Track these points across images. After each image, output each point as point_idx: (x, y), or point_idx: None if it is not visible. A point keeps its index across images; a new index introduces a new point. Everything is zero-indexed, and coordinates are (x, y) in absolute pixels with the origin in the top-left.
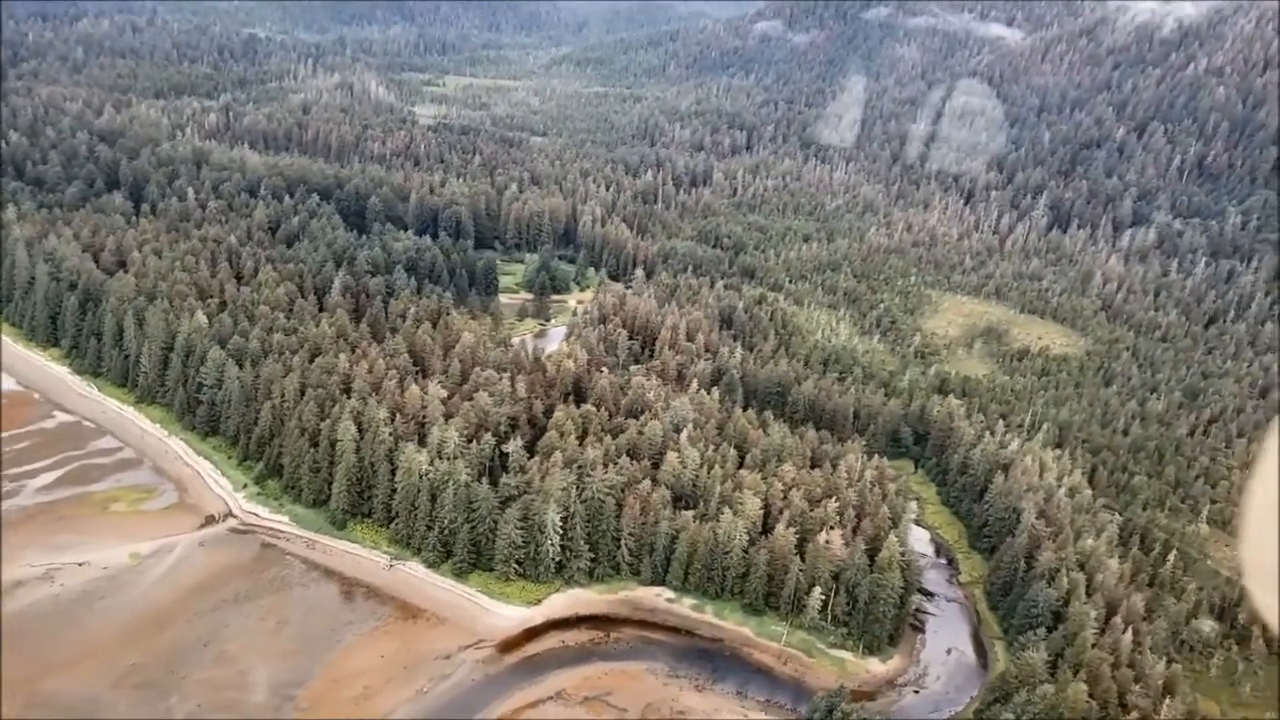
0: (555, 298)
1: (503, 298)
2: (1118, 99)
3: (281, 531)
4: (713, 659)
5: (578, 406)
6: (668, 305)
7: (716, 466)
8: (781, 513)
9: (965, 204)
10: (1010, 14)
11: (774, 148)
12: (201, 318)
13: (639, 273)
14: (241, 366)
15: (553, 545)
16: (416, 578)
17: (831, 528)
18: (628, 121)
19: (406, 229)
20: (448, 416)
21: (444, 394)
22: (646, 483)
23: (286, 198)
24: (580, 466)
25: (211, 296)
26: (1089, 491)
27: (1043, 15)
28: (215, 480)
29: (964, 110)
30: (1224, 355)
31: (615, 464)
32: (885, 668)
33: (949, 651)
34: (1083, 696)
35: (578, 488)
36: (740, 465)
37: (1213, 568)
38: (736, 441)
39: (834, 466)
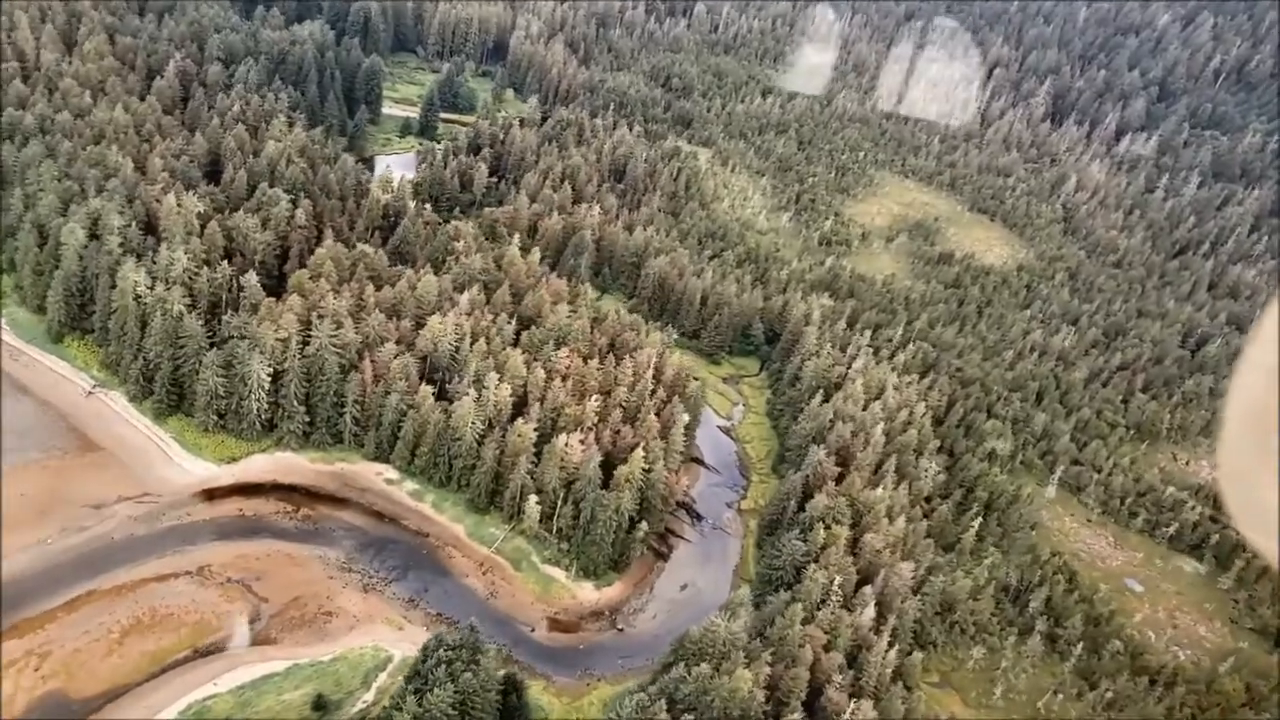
0: (453, 117)
1: (397, 110)
2: None
3: None
4: (404, 554)
5: (381, 245)
6: (549, 145)
7: (481, 340)
8: (539, 402)
9: (968, 80)
10: None
11: None
12: None
13: (532, 101)
14: (9, 141)
15: (258, 401)
16: (113, 411)
17: (581, 429)
18: None
19: (300, 20)
20: (191, 234)
21: (200, 208)
22: (390, 346)
23: None
24: (322, 316)
25: (12, 61)
26: (928, 429)
27: None
28: None
29: None
30: (1175, 293)
31: (364, 319)
32: (597, 595)
33: (683, 588)
34: (746, 684)
35: (301, 340)
36: (516, 342)
37: (1034, 541)
38: (527, 314)
39: (624, 359)
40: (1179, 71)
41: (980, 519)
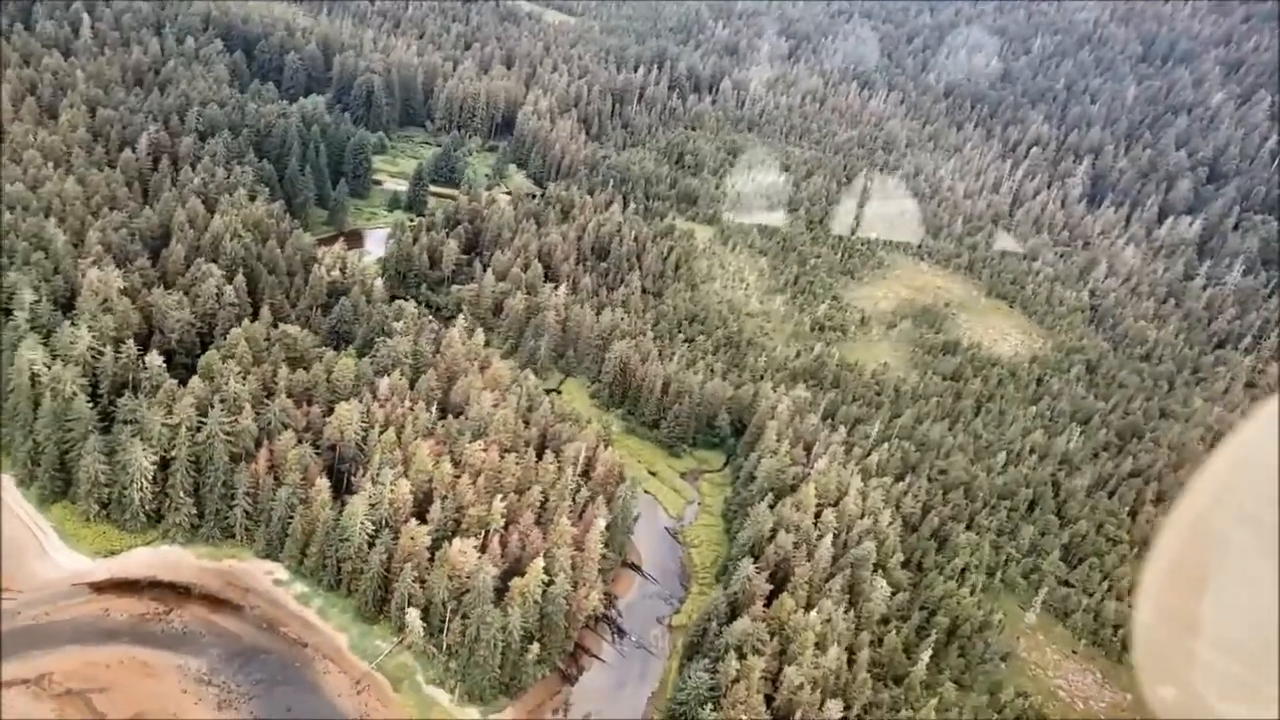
0: (444, 192)
1: (393, 184)
2: (1232, 57)
3: None
4: (274, 667)
5: (320, 324)
6: (525, 222)
7: (390, 431)
8: (442, 501)
9: (1004, 158)
10: None
11: (815, 62)
12: None
13: (518, 178)
14: None
15: (140, 491)
16: None
17: (483, 533)
18: (674, 12)
19: (307, 94)
20: (109, 311)
21: (121, 284)
22: (288, 435)
23: (190, 40)
24: (225, 401)
25: None
26: (893, 540)
27: None
28: None
29: (1049, 51)
30: (1207, 392)
31: (266, 404)
32: None
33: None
34: None
35: (192, 428)
36: (431, 433)
37: (1002, 675)
38: (456, 402)
39: (545, 453)
40: (1231, 152)
41: (937, 648)
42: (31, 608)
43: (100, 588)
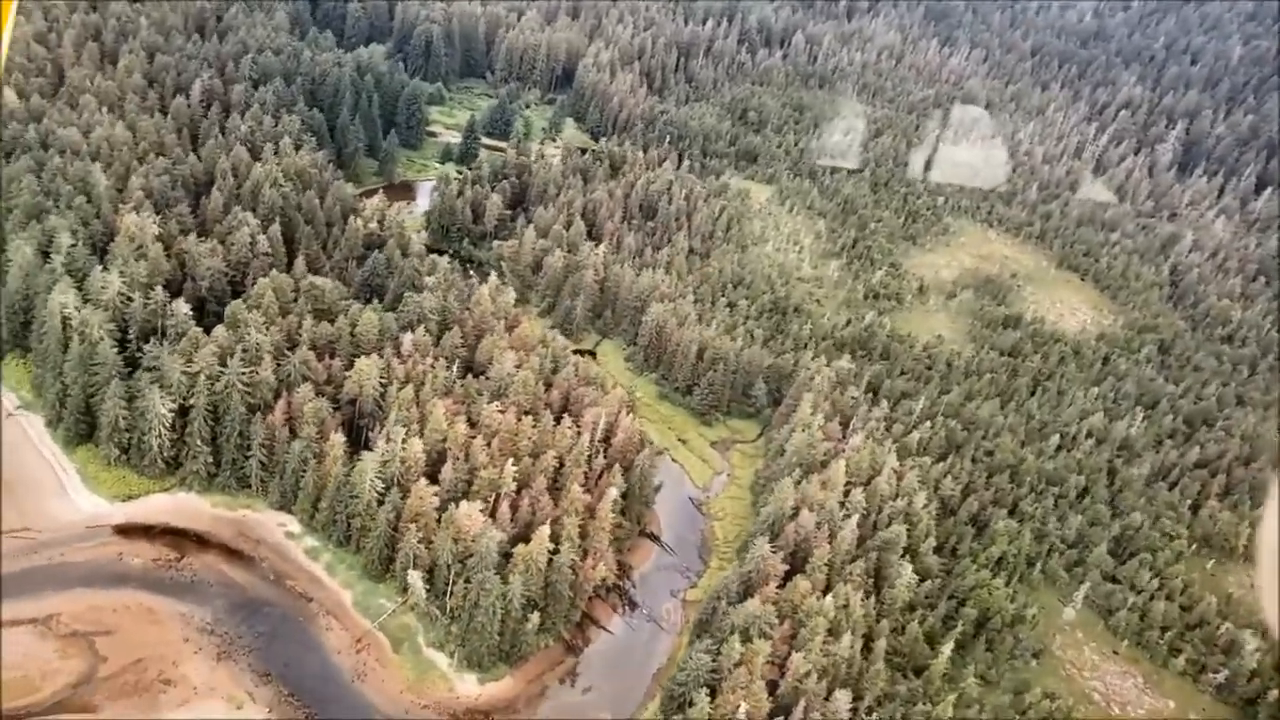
0: (496, 144)
1: (448, 136)
2: None
3: None
4: (277, 620)
5: (354, 276)
6: (572, 177)
7: (409, 388)
8: (455, 462)
9: (1090, 121)
10: None
11: (897, 16)
12: (9, 93)
13: (569, 131)
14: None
15: (159, 437)
16: (28, 434)
17: (492, 497)
18: None
19: (369, 44)
20: (141, 257)
21: (156, 230)
22: (307, 387)
23: None
24: (247, 351)
25: (50, 76)
26: (928, 524)
27: None
28: None
29: (1150, 8)
30: None
31: (287, 356)
32: (478, 691)
33: (585, 692)
34: None
35: (212, 376)
36: (449, 392)
37: (1030, 674)
38: (481, 361)
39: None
40: None
41: (964, 640)
42: (48, 548)
43: (116, 531)
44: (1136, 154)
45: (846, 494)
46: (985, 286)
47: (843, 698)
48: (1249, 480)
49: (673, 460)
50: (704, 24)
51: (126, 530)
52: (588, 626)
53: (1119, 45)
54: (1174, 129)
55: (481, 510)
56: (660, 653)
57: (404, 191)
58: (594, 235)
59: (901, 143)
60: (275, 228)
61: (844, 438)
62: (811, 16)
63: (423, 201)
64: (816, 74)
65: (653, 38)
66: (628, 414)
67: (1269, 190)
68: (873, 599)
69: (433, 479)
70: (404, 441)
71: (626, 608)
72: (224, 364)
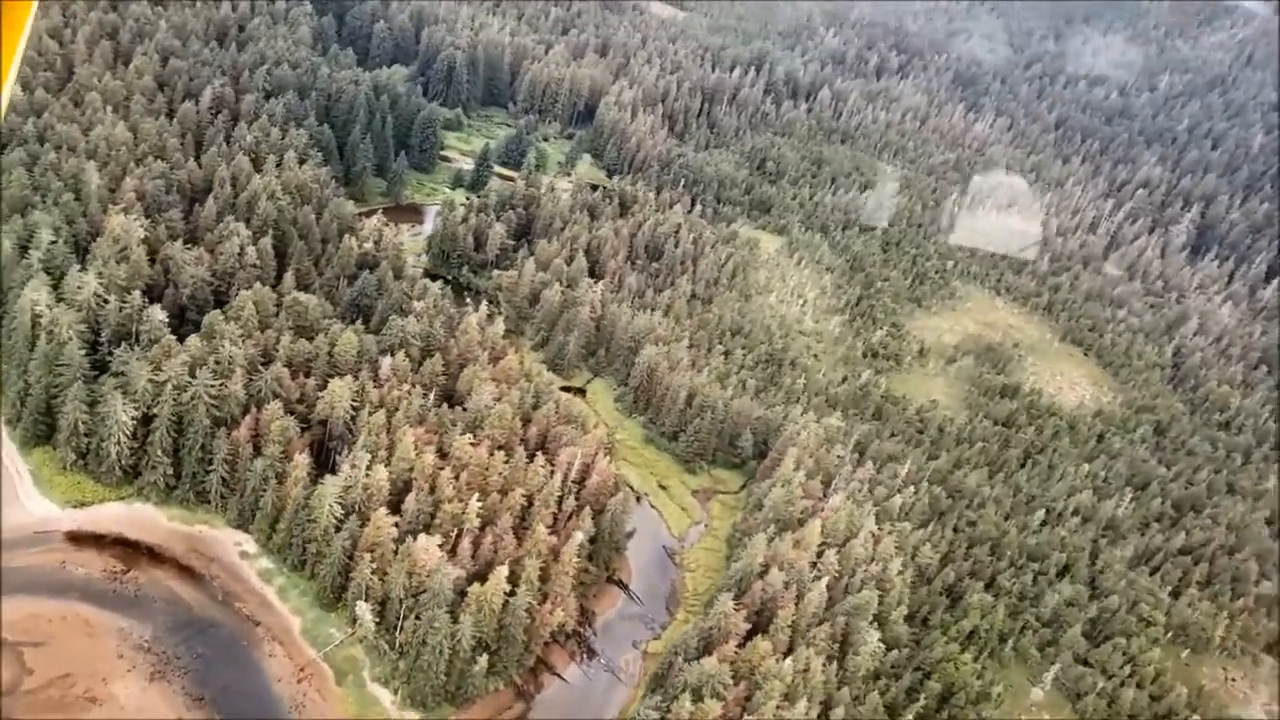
0: (508, 174)
1: (462, 162)
2: None
3: None
4: (220, 643)
5: (342, 295)
6: (579, 213)
7: (381, 413)
8: (418, 494)
9: (1107, 197)
10: None
11: (925, 79)
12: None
13: (582, 167)
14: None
15: (117, 444)
16: None
17: (453, 532)
18: (787, 15)
19: (392, 64)
20: (123, 260)
21: (142, 234)
22: (276, 405)
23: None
24: (219, 363)
25: (54, 70)
26: (901, 590)
27: None
28: None
29: (1176, 90)
30: None
31: (260, 372)
32: None
33: None
34: None
35: (179, 386)
36: (422, 420)
37: None
38: (461, 391)
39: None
40: None
41: (925, 714)
42: None
43: (67, 538)
44: (1150, 233)
45: (820, 555)
46: (986, 354)
47: None
48: (1231, 570)
49: (651, 506)
50: (731, 71)
51: (77, 538)
52: (542, 672)
53: (1142, 125)
54: (1189, 211)
55: (441, 545)
56: (615, 704)
57: (411, 214)
58: (596, 272)
59: (917, 204)
60: (267, 240)
61: (824, 496)
62: (840, 73)
63: (429, 225)
64: (840, 130)
65: (678, 81)
66: (605, 456)
67: (1278, 279)
68: (835, 665)
69: (395, 509)
70: (368, 468)
71: (585, 656)
72: (193, 374)
